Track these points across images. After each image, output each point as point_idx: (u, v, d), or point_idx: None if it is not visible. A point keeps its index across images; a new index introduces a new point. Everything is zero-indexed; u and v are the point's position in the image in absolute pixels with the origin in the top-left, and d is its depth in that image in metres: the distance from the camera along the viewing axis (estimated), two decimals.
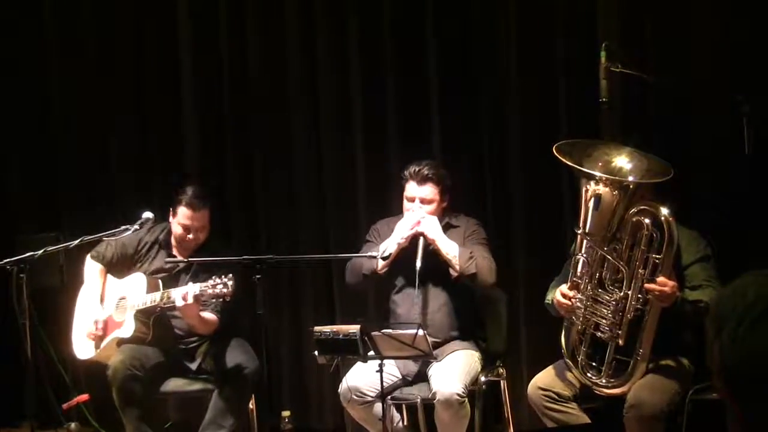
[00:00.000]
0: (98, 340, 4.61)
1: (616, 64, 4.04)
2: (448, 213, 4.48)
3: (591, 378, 3.85)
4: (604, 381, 3.83)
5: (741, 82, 4.35)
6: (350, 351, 3.77)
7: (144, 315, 4.51)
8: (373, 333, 3.73)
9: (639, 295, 3.70)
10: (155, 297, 4.44)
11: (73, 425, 5.13)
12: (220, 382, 4.54)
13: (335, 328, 3.84)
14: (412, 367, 4.32)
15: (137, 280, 4.56)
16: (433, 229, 4.30)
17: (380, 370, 3.79)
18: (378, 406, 4.10)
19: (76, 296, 4.77)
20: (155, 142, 5.51)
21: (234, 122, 5.37)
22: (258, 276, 3.98)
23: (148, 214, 4.47)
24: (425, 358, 4.03)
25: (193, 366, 4.62)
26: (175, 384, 4.62)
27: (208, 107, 5.42)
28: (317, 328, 3.84)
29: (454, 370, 4.16)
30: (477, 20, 4.96)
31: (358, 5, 5.14)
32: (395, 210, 4.52)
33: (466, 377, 4.15)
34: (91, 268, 4.74)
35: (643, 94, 4.57)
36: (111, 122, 5.55)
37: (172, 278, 4.59)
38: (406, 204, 4.40)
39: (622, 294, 3.73)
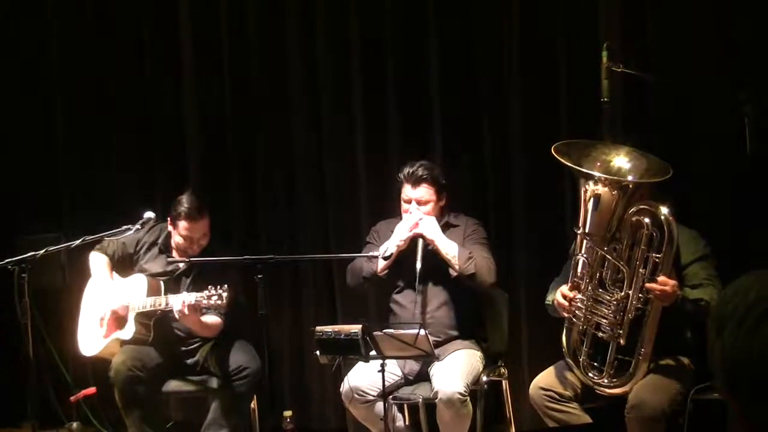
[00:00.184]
0: (111, 324, 4.56)
1: (618, 64, 4.04)
2: (447, 212, 4.48)
3: (593, 378, 3.85)
4: (606, 381, 3.83)
5: (741, 81, 4.34)
6: (352, 351, 3.76)
7: (144, 317, 4.52)
8: (375, 333, 3.73)
9: (640, 295, 3.70)
10: (154, 302, 4.44)
11: (74, 425, 5.14)
12: (221, 382, 4.54)
13: (337, 328, 3.83)
14: (414, 366, 4.32)
15: (138, 281, 4.56)
16: (431, 229, 4.30)
17: (382, 370, 3.78)
18: (379, 406, 4.09)
19: (77, 296, 4.76)
20: (156, 142, 5.51)
21: (235, 122, 5.38)
22: (260, 276, 3.99)
23: (149, 214, 4.47)
24: (427, 358, 4.04)
25: (195, 366, 4.63)
26: (176, 384, 4.62)
27: (208, 107, 5.42)
28: (319, 328, 3.83)
29: (456, 370, 4.16)
30: (478, 20, 4.96)
31: (359, 5, 5.13)
32: (396, 210, 4.52)
33: (468, 377, 4.15)
34: (98, 260, 4.71)
35: (643, 94, 4.57)
36: (112, 122, 5.55)
37: (173, 281, 4.59)
38: (403, 206, 4.41)
39: (622, 294, 3.73)
